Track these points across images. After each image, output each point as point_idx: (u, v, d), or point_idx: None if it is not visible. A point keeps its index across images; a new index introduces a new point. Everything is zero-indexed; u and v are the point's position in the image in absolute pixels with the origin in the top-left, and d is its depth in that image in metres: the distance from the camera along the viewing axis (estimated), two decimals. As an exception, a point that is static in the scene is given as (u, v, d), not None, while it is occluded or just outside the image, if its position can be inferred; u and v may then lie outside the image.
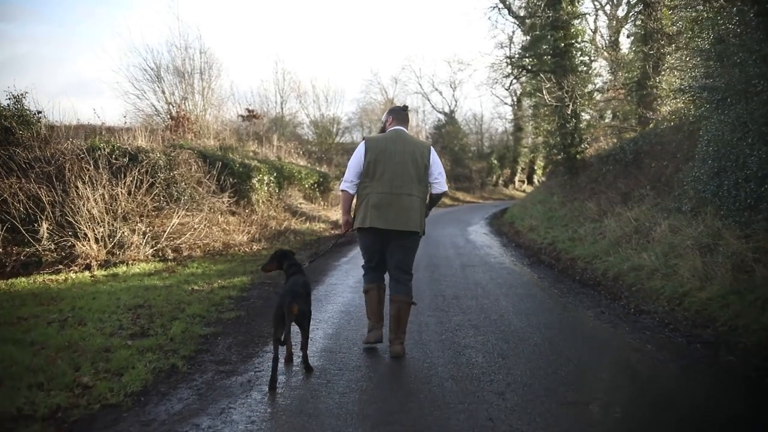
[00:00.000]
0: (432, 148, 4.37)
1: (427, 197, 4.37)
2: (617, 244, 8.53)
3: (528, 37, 23.09)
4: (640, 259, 7.11)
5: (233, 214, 11.39)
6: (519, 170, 43.37)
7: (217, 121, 18.80)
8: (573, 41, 15.54)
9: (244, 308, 5.64)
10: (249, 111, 26.78)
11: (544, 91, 15.30)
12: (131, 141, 9.87)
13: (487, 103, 77.71)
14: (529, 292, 6.71)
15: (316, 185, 17.48)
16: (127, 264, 7.96)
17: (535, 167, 44.37)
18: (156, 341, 4.29)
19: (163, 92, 18.03)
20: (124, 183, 9.04)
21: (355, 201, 4.32)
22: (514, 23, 28.55)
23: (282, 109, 31.97)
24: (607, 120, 18.60)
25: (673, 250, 6.86)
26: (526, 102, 40.48)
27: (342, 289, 6.80)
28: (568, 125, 15.29)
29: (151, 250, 8.62)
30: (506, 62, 20.41)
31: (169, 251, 8.83)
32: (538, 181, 44.54)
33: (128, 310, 5.29)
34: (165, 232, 9.03)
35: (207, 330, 4.74)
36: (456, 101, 49.15)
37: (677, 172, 9.73)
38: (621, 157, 12.79)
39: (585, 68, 16.08)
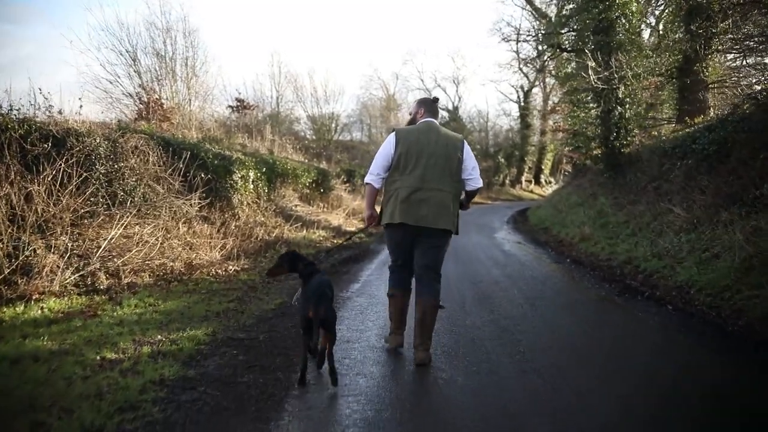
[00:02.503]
0: (465, 141, 4.10)
1: (461, 194, 4.08)
2: (754, 267, 5.87)
3: (542, 20, 20.62)
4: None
5: (206, 220, 8.65)
6: (526, 169, 41.08)
7: (203, 112, 16.14)
8: (619, 13, 12.96)
9: (178, 420, 2.90)
10: (239, 101, 24.02)
11: (590, 71, 12.61)
12: (59, 121, 7.11)
13: (492, 99, 75.59)
14: (685, 361, 4.02)
15: (314, 184, 14.74)
16: (30, 300, 5.23)
17: (542, 166, 41.97)
18: None
19: (139, 75, 15.27)
20: (43, 178, 6.34)
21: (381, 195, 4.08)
22: (524, 8, 26.09)
23: (278, 104, 29.25)
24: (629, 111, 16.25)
25: None
26: (536, 97, 38.15)
27: (360, 350, 4.08)
28: (614, 113, 12.70)
29: (75, 276, 5.88)
30: (539, 39, 17.82)
31: (103, 277, 6.10)
32: (545, 180, 42.15)
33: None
34: (99, 248, 6.32)
35: None
36: (459, 98, 46.93)
37: (808, 165, 7.14)
38: (696, 149, 10.12)
39: (634, 46, 13.49)
